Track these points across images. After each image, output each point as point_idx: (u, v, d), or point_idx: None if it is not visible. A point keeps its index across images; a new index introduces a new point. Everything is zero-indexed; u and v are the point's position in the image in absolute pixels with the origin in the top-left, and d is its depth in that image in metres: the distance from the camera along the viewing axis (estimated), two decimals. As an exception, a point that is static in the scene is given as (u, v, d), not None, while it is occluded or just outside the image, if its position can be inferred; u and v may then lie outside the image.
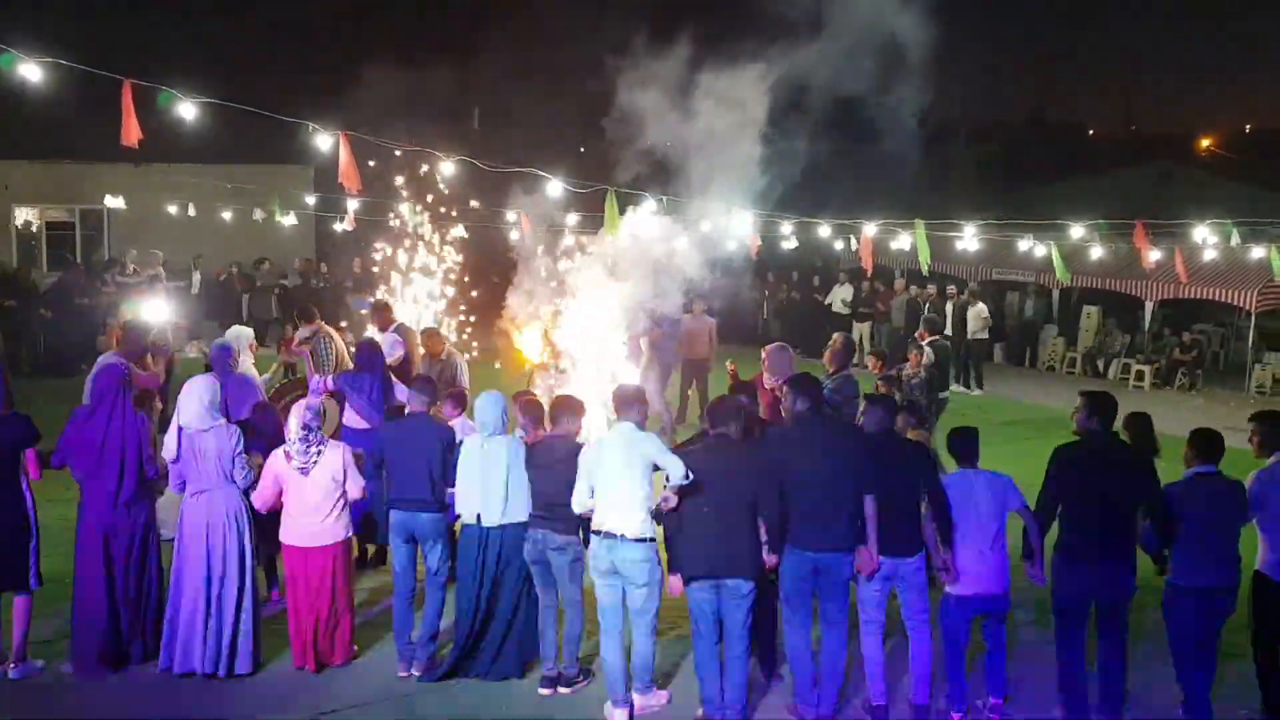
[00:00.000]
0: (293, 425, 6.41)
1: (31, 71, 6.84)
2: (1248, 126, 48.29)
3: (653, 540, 5.91)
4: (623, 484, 5.84)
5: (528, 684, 6.38)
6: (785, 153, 10.43)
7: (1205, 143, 41.75)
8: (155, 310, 11.03)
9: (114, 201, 19.45)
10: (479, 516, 6.31)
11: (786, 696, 6.29)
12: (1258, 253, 15.44)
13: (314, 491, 6.33)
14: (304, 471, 6.30)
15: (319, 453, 6.32)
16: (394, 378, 8.56)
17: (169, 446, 6.34)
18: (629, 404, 6.11)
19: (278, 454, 6.40)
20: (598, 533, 5.92)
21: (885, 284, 20.66)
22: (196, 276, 20.60)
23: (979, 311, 18.04)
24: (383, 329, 10.23)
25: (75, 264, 19.49)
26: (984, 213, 16.43)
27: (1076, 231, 13.80)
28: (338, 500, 6.40)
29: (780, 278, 22.51)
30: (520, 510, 6.29)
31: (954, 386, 17.54)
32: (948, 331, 18.01)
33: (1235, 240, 14.45)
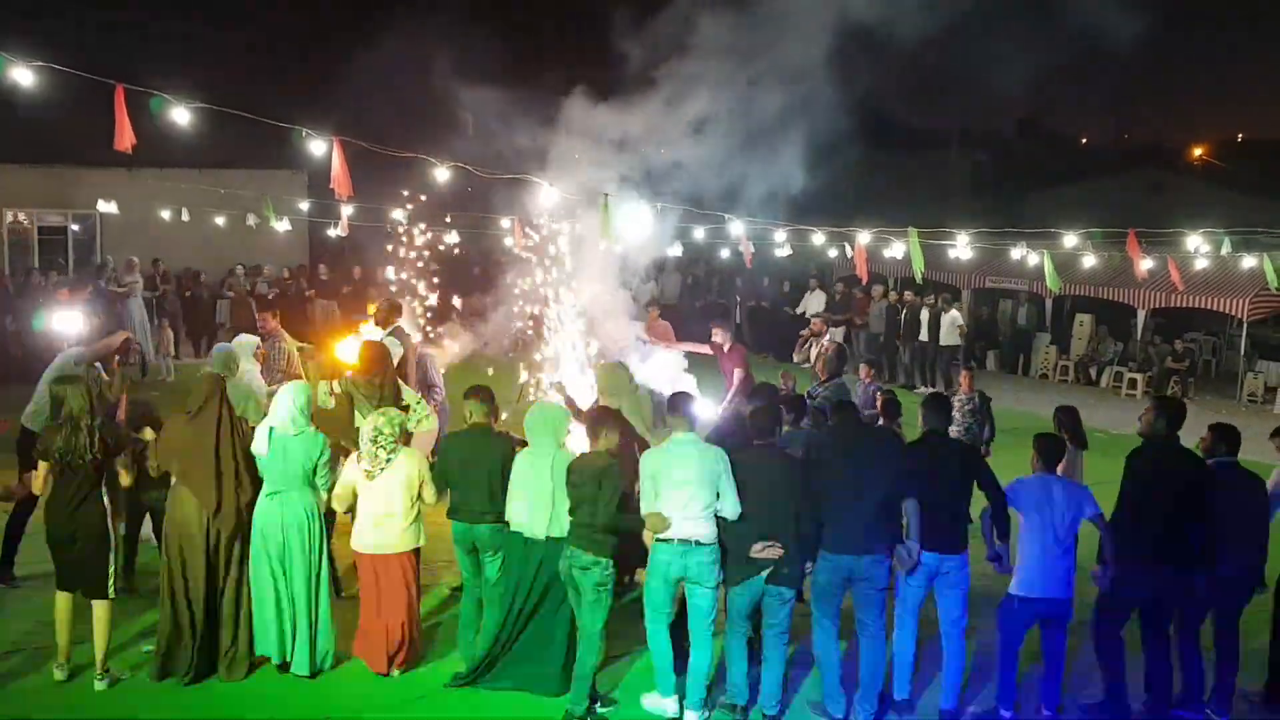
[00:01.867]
0: (365, 430, 6.39)
1: (24, 76, 6.82)
2: (1239, 135, 48.47)
3: (717, 544, 5.94)
4: (694, 493, 5.86)
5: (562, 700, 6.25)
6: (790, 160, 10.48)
7: (1197, 152, 41.90)
8: (69, 321, 10.62)
9: (107, 206, 19.36)
10: (524, 528, 6.27)
11: (814, 695, 6.34)
12: (1249, 261, 15.50)
13: (380, 498, 6.31)
14: (371, 477, 6.30)
15: (389, 460, 6.30)
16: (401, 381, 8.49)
17: (260, 445, 6.31)
18: (687, 413, 6.11)
19: (353, 458, 6.43)
20: (668, 541, 5.91)
21: (862, 291, 20.79)
22: (156, 281, 20.32)
23: (953, 319, 18.15)
24: (383, 326, 10.12)
25: (34, 269, 19.41)
26: (977, 220, 16.48)
27: (1069, 240, 13.84)
28: (409, 509, 6.36)
29: (751, 284, 22.50)
30: (564, 526, 6.20)
31: (926, 390, 17.78)
32: (924, 337, 18.31)
33: (1227, 249, 14.48)
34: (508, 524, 6.42)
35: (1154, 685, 6.14)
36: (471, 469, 6.47)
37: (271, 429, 6.31)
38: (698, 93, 10.17)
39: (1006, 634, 6.16)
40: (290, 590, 6.33)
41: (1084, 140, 49.08)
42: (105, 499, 6.21)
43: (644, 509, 5.98)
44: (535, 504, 6.21)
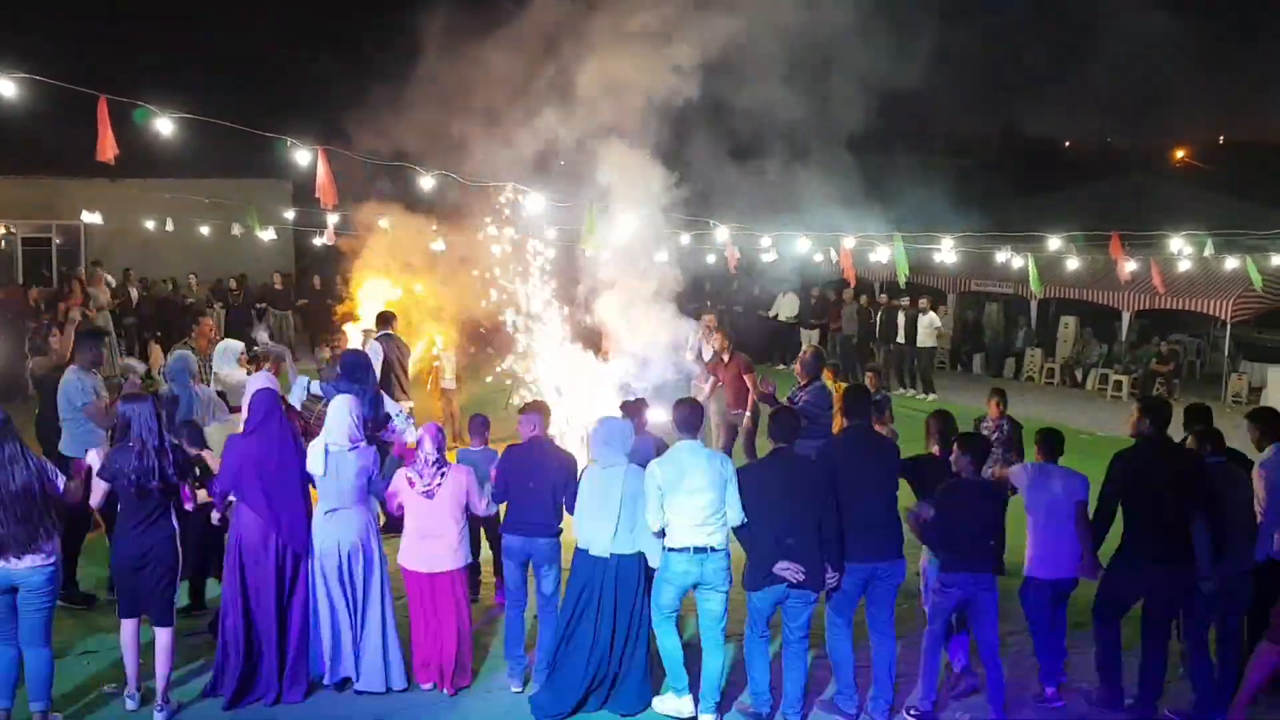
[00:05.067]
0: (426, 448, 6.34)
1: (7, 87, 6.80)
2: (1220, 138, 48.78)
3: (728, 549, 6.00)
4: (709, 500, 5.87)
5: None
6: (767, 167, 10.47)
7: (1179, 154, 42.19)
8: None
9: (91, 217, 19.30)
10: (590, 545, 6.21)
11: (829, 694, 6.40)
12: (1232, 263, 15.61)
13: (437, 516, 6.27)
14: (429, 495, 6.26)
15: (443, 476, 6.28)
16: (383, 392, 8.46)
17: (316, 464, 6.22)
18: (692, 422, 6.11)
19: (402, 476, 6.35)
20: (684, 549, 5.90)
21: (835, 293, 20.83)
22: (133, 292, 19.70)
23: (930, 321, 18.26)
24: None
25: (13, 284, 19.31)
26: (961, 225, 16.58)
27: (1053, 243, 13.93)
28: (461, 525, 6.34)
29: (720, 288, 22.46)
30: (632, 543, 6.13)
31: (905, 392, 17.87)
32: (900, 339, 18.50)
33: (1210, 251, 14.59)
34: (560, 533, 6.43)
35: (1144, 682, 6.19)
36: (531, 482, 6.41)
37: (326, 446, 6.24)
38: (690, 95, 10.18)
39: (1035, 617, 6.35)
40: (352, 610, 6.26)
41: (1067, 145, 49.33)
42: (175, 522, 6.04)
43: (649, 518, 5.97)
44: (604, 521, 6.13)
